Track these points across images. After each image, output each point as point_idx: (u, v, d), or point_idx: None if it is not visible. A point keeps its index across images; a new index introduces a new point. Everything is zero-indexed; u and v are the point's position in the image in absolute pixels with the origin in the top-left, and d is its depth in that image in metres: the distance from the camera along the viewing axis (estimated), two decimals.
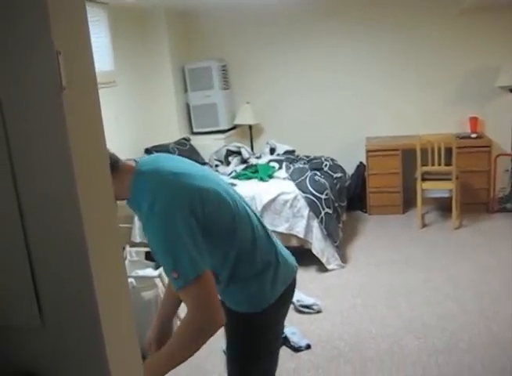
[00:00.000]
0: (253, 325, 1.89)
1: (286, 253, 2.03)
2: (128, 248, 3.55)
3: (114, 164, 1.63)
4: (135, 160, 1.78)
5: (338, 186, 5.18)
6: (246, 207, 1.88)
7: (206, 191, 1.70)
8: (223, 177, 2.44)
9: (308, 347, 3.36)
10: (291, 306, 3.74)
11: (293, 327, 3.51)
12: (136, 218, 4.75)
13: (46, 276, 1.04)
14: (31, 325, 1.08)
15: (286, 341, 3.37)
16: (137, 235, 4.75)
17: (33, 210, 1.01)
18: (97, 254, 1.03)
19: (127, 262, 3.47)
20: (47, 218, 1.00)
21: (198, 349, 1.63)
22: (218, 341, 1.96)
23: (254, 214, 1.92)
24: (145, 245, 4.32)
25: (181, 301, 1.88)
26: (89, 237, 1.00)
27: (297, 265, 2.04)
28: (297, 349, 3.34)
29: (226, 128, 6.29)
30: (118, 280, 1.14)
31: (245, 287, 1.86)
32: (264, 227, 1.93)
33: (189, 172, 1.74)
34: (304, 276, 4.38)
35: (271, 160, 5.47)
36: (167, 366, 1.67)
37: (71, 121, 0.94)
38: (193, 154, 5.97)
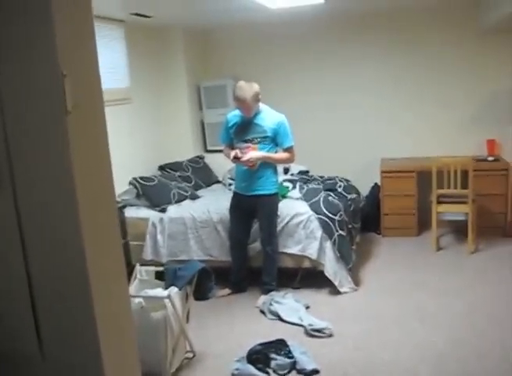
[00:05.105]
0: None
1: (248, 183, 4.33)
2: (138, 267, 3.51)
3: None
4: None
5: (352, 207, 5.11)
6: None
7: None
8: None
9: (316, 372, 3.27)
10: (303, 330, 3.68)
11: (304, 348, 3.46)
12: (148, 236, 4.71)
13: (47, 312, 1.01)
14: (32, 360, 1.04)
15: (294, 363, 3.31)
16: (148, 253, 4.71)
17: (36, 242, 0.98)
18: (99, 285, 0.99)
19: (136, 281, 3.43)
20: (48, 247, 0.97)
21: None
22: None
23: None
24: (155, 264, 4.27)
25: None
26: (91, 269, 0.96)
27: (252, 193, 4.33)
28: (300, 372, 3.27)
29: None
30: (122, 313, 1.10)
31: None
32: None
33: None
34: (317, 299, 4.31)
35: (284, 180, 5.42)
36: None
37: (76, 146, 0.90)
38: (207, 172, 5.94)
